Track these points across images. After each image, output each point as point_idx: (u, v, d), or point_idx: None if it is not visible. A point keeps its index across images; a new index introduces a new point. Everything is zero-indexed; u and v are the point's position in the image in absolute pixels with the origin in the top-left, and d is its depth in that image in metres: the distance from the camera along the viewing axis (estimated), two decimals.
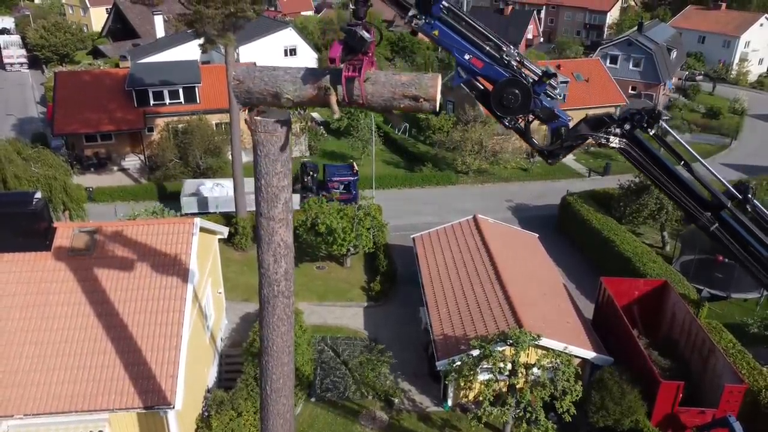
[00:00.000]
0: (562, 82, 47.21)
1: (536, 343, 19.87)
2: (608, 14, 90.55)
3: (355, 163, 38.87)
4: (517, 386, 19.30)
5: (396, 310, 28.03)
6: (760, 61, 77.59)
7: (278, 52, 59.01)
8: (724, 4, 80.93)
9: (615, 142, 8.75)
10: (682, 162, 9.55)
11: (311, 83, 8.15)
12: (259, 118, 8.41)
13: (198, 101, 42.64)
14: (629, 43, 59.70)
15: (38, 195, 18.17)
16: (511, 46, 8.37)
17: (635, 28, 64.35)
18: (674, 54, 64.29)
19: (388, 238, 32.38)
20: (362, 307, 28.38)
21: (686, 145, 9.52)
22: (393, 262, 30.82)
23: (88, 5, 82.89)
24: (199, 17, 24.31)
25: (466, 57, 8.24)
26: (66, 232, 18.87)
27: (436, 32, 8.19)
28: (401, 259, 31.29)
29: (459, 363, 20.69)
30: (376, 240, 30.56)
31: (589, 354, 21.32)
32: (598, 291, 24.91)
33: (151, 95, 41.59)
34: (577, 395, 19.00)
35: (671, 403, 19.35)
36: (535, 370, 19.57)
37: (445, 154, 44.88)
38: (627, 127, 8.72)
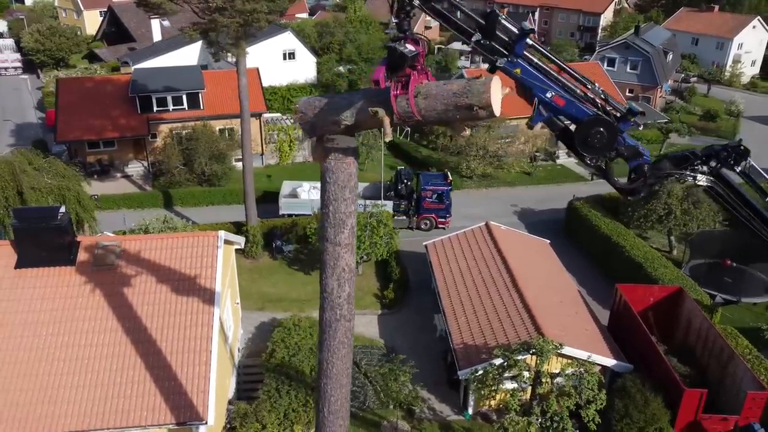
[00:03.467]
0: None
1: (559, 351, 20.00)
2: (602, 16, 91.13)
3: (449, 173, 38.59)
4: (541, 394, 19.43)
5: (411, 318, 28.08)
6: (753, 63, 78.41)
7: (277, 56, 58.80)
8: (716, 6, 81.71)
9: (702, 180, 8.61)
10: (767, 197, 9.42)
11: (365, 106, 8.10)
12: (328, 146, 8.43)
13: (202, 107, 42.44)
14: (626, 46, 60.16)
15: (63, 209, 18.03)
16: (596, 84, 8.33)
17: (631, 30, 64.81)
18: (670, 56, 64.87)
19: (399, 244, 32.43)
20: (376, 314, 28.40)
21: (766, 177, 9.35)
22: (405, 269, 30.88)
23: (82, 8, 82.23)
24: (215, 26, 24.22)
25: (548, 95, 8.08)
26: (89, 246, 18.74)
27: (518, 70, 8.01)
28: (412, 266, 31.34)
29: (481, 372, 20.78)
30: (387, 247, 30.59)
31: (610, 362, 21.48)
32: (613, 297, 25.09)
33: (154, 101, 41.35)
34: (602, 404, 19.16)
35: (695, 410, 19.55)
36: (559, 379, 19.69)
37: (449, 159, 44.97)
38: (713, 164, 8.61)
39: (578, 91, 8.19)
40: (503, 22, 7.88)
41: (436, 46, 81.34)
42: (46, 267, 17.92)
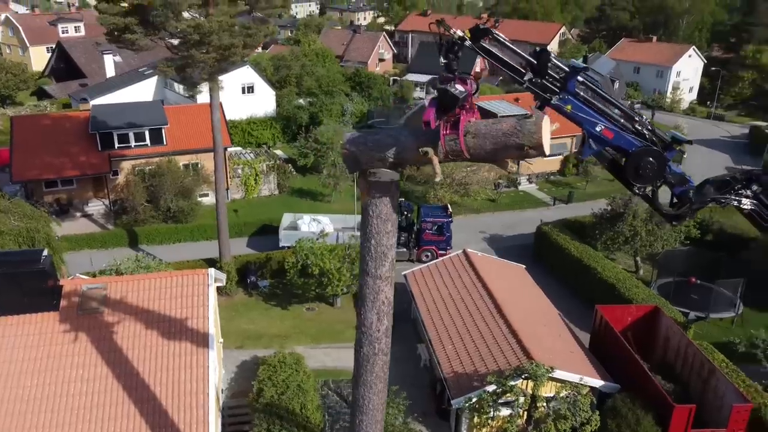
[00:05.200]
0: (521, 115, 48.96)
1: (552, 375, 20.26)
2: (548, 47, 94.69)
3: (449, 205, 38.63)
4: (537, 419, 19.59)
5: (393, 349, 27.68)
6: (690, 89, 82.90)
7: (236, 90, 58.56)
8: (654, 37, 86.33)
9: (747, 204, 8.95)
10: None
11: (412, 145, 8.22)
12: (372, 180, 8.49)
13: (165, 143, 41.72)
14: None
15: (45, 252, 17.32)
16: (642, 115, 8.70)
17: (579, 60, 67.53)
18: (617, 85, 67.93)
19: None
20: None
21: None
22: None
23: (27, 44, 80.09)
24: (191, 62, 24.02)
25: (598, 128, 8.35)
26: (73, 290, 18.01)
27: (569, 107, 8.28)
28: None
29: (475, 400, 20.81)
30: None
31: (598, 382, 21.87)
32: (593, 318, 25.68)
33: (116, 138, 40.41)
34: (596, 425, 19.45)
35: (684, 426, 20.06)
36: (554, 402, 19.91)
37: (415, 188, 45.47)
38: (755, 188, 8.97)
39: (624, 122, 8.53)
40: (554, 60, 8.17)
41: (392, 78, 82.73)
42: (29, 313, 17.08)
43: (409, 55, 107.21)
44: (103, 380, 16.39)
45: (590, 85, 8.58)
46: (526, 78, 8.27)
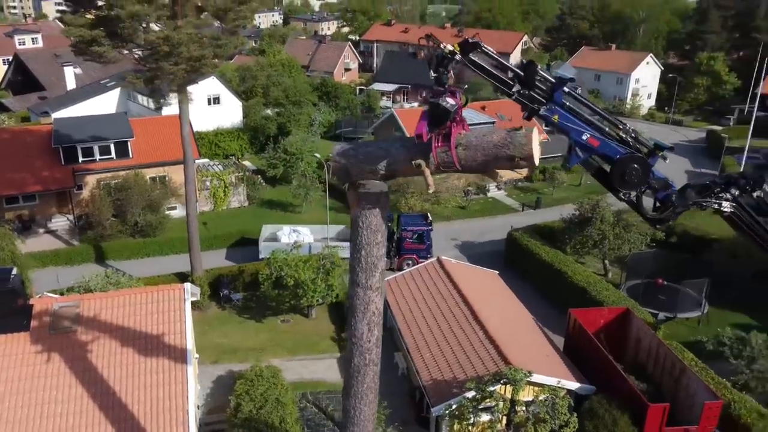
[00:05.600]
0: (488, 123, 49.69)
1: (530, 379, 20.52)
2: (511, 55, 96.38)
3: (429, 214, 38.44)
4: (517, 423, 19.80)
5: None
6: (649, 96, 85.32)
7: (202, 101, 57.90)
8: (613, 45, 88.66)
9: (727, 207, 9.23)
10: None
11: (403, 157, 8.31)
12: (361, 191, 8.52)
13: (131, 156, 41.00)
14: None
15: (15, 271, 16.84)
16: (626, 123, 8.94)
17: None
18: (579, 91, 69.28)
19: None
20: (336, 358, 28.02)
21: None
22: None
23: None
24: (161, 73, 23.71)
25: (584, 137, 8.55)
26: (44, 309, 17.53)
27: (556, 117, 8.46)
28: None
29: (455, 406, 20.92)
30: (342, 288, 30.43)
31: (575, 385, 22.24)
32: (567, 322, 26.11)
33: (80, 152, 39.55)
34: (575, 427, 19.76)
35: (659, 424, 20.52)
36: (533, 406, 20.16)
37: None
38: (734, 192, 9.27)
39: (608, 130, 8.76)
40: (541, 72, 8.37)
41: (358, 87, 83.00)
42: None
43: (375, 65, 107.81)
44: (79, 401, 15.98)
45: (576, 95, 8.80)
46: (514, 90, 8.43)
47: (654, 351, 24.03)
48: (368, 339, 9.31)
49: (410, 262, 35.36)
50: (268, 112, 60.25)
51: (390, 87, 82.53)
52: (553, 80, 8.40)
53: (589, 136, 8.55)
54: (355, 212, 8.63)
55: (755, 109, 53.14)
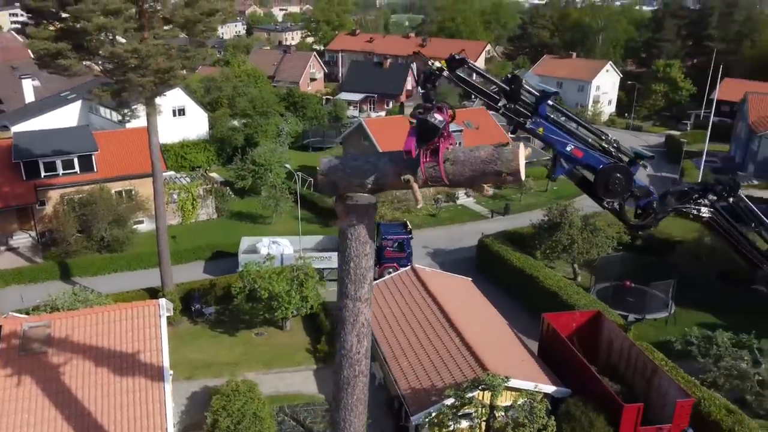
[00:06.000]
0: (456, 131, 50.22)
1: (507, 384, 20.74)
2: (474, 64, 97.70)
3: (408, 222, 38.19)
4: (496, 428, 19.98)
5: None
6: (609, 102, 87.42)
7: (167, 112, 57.05)
8: (574, 54, 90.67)
9: (705, 212, 9.57)
10: (753, 223, 10.64)
11: (391, 172, 8.36)
12: (349, 203, 8.56)
13: (95, 170, 40.15)
14: None
15: None
16: (608, 134, 9.20)
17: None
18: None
19: (324, 295, 32.20)
20: (312, 370, 27.86)
21: (754, 208, 10.61)
22: (335, 319, 30.63)
23: None
24: (130, 86, 23.33)
25: (568, 148, 8.76)
26: (12, 330, 17.01)
27: (541, 129, 8.67)
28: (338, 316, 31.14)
29: (435, 414, 21.00)
30: (316, 299, 30.28)
31: (551, 388, 22.55)
32: (541, 326, 26.48)
33: (41, 166, 38.56)
34: (553, 430, 20.02)
35: (634, 424, 20.94)
36: (511, 411, 20.37)
37: None
38: (711, 197, 9.62)
39: (592, 141, 9.01)
40: (526, 86, 8.57)
41: (325, 97, 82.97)
42: None
43: (340, 74, 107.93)
44: (53, 423, 15.53)
45: (559, 107, 9.04)
46: (500, 104, 8.64)
47: (626, 352, 24.54)
48: (358, 350, 9.33)
49: (391, 270, 35.41)
50: (235, 123, 59.74)
51: (356, 96, 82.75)
52: (538, 94, 8.62)
53: (573, 147, 8.79)
54: (344, 224, 8.66)
55: (711, 114, 54.89)
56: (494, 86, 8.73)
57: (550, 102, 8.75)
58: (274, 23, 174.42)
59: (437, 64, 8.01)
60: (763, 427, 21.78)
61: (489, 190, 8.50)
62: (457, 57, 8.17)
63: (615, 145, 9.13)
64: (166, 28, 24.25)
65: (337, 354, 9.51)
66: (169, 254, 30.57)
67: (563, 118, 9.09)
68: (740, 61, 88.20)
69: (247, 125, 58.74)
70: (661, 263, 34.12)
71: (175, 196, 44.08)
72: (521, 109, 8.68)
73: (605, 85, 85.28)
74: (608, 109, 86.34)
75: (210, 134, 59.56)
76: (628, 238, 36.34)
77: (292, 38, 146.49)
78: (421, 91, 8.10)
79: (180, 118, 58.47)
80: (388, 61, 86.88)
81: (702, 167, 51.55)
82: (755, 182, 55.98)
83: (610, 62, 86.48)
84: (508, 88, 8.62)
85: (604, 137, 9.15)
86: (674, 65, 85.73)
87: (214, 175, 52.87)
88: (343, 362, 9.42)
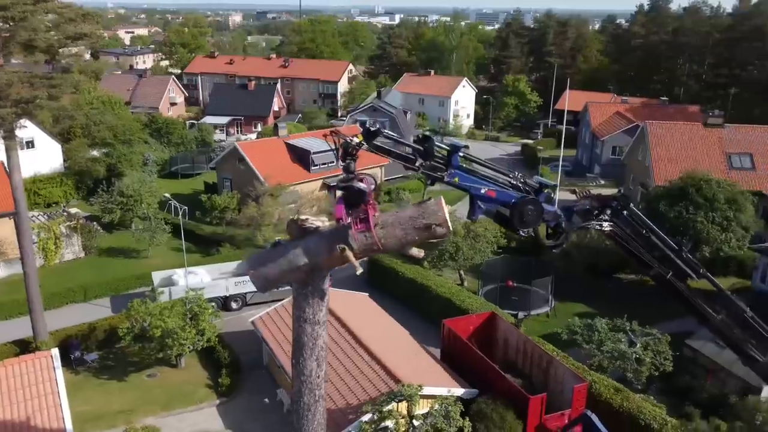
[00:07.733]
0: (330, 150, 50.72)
1: (421, 392, 21.24)
2: (338, 84, 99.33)
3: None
4: None
5: (253, 399, 26.90)
6: (468, 116, 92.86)
7: None
8: (432, 71, 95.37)
9: (606, 226, 10.76)
10: (644, 230, 11.94)
11: (324, 249, 8.57)
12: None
13: None
14: (374, 109, 66.83)
15: None
16: (515, 171, 10.09)
17: (374, 95, 72.17)
18: (409, 115, 73.57)
19: (219, 326, 30.95)
20: (215, 405, 26.59)
21: (645, 219, 11.92)
22: (233, 350, 29.54)
23: None
24: None
25: (483, 191, 9.55)
26: None
27: (456, 179, 9.35)
28: (238, 346, 30.13)
29: None
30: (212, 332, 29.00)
31: (460, 391, 23.39)
32: (441, 332, 27.38)
33: None
34: (469, 430, 20.81)
35: (539, 414, 22.32)
36: (430, 418, 20.86)
37: (238, 232, 44.36)
38: (608, 212, 10.82)
39: (501, 180, 9.88)
40: (437, 144, 9.27)
41: (189, 122, 79.97)
42: None
43: (201, 97, 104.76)
44: None
45: (469, 156, 9.84)
46: (418, 164, 9.21)
47: (522, 347, 26.12)
48: (317, 375, 9.26)
49: None
50: (95, 153, 55.78)
51: (223, 120, 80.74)
52: (448, 148, 9.35)
53: (486, 189, 9.64)
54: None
55: (564, 122, 60.16)
56: (409, 148, 9.34)
57: (461, 153, 9.53)
58: (122, 47, 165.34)
59: (355, 139, 8.50)
60: (643, 399, 24.12)
61: (420, 252, 9.01)
62: (372, 129, 8.62)
63: (522, 180, 10.14)
64: (27, 55, 22.23)
65: (295, 381, 9.34)
66: (41, 300, 27.78)
67: (475, 164, 9.99)
68: (575, 74, 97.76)
69: (109, 155, 55.09)
70: (539, 262, 36.76)
71: (34, 237, 40.10)
72: (437, 165, 9.36)
73: (463, 100, 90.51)
74: (467, 122, 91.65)
75: (65, 167, 55.06)
76: (505, 241, 38.76)
77: (144, 62, 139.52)
78: (341, 164, 8.49)
79: (29, 151, 53.36)
80: (253, 82, 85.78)
81: (560, 171, 56.29)
82: (602, 182, 62.29)
83: (466, 78, 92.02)
84: (422, 149, 9.22)
85: (511, 174, 10.12)
86: (521, 80, 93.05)
87: (74, 210, 48.82)
88: (303, 389, 9.28)
